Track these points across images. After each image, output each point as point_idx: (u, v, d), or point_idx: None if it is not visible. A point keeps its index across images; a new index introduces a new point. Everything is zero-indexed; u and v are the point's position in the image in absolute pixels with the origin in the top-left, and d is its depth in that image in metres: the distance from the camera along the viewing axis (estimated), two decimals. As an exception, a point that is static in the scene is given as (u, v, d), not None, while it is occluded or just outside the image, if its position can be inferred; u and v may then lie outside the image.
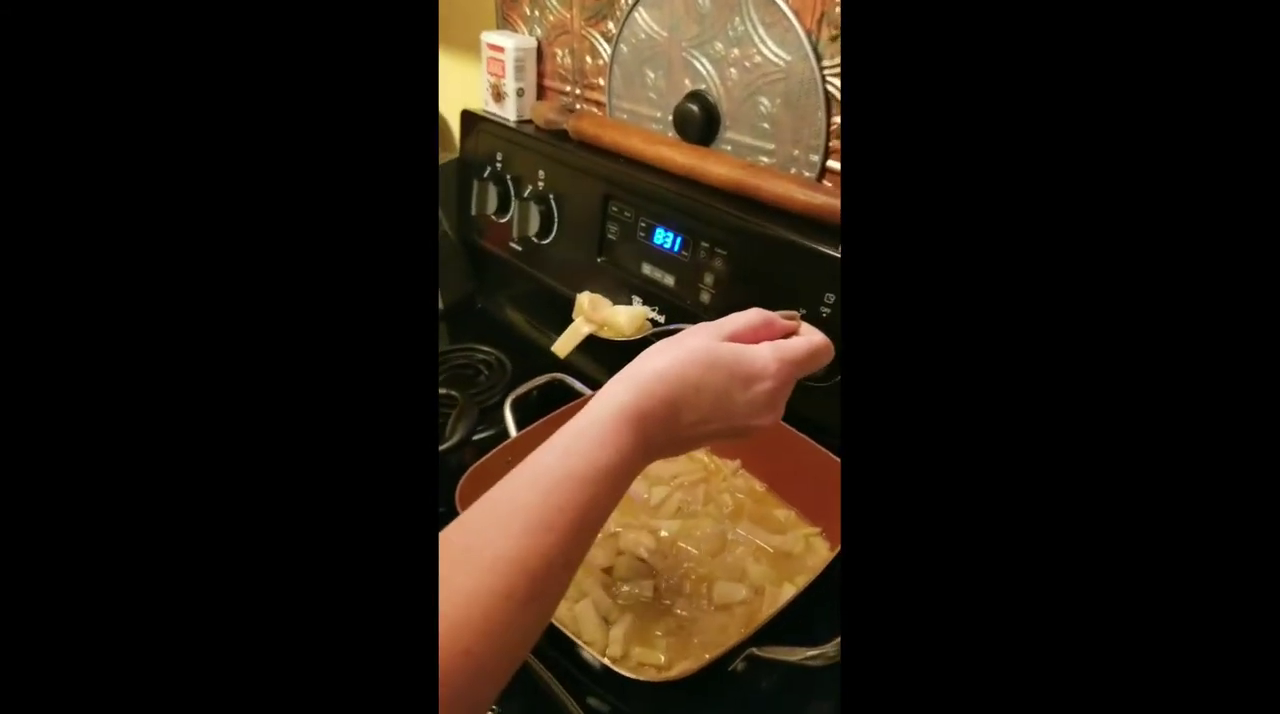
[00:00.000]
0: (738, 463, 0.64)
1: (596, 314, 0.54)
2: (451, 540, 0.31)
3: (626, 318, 0.54)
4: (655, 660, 0.48)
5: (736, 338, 0.40)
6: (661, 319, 0.68)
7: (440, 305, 0.94)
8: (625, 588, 0.52)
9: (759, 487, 0.63)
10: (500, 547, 0.30)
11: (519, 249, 0.82)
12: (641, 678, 0.44)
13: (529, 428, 0.57)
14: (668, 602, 0.52)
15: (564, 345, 0.56)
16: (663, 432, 0.37)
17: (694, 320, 0.64)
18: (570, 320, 0.61)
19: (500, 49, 0.77)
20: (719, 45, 0.64)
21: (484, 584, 0.28)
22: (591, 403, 0.36)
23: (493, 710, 0.47)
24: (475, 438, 0.66)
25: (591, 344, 0.61)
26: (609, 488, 0.34)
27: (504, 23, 0.82)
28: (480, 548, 0.30)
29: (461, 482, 0.52)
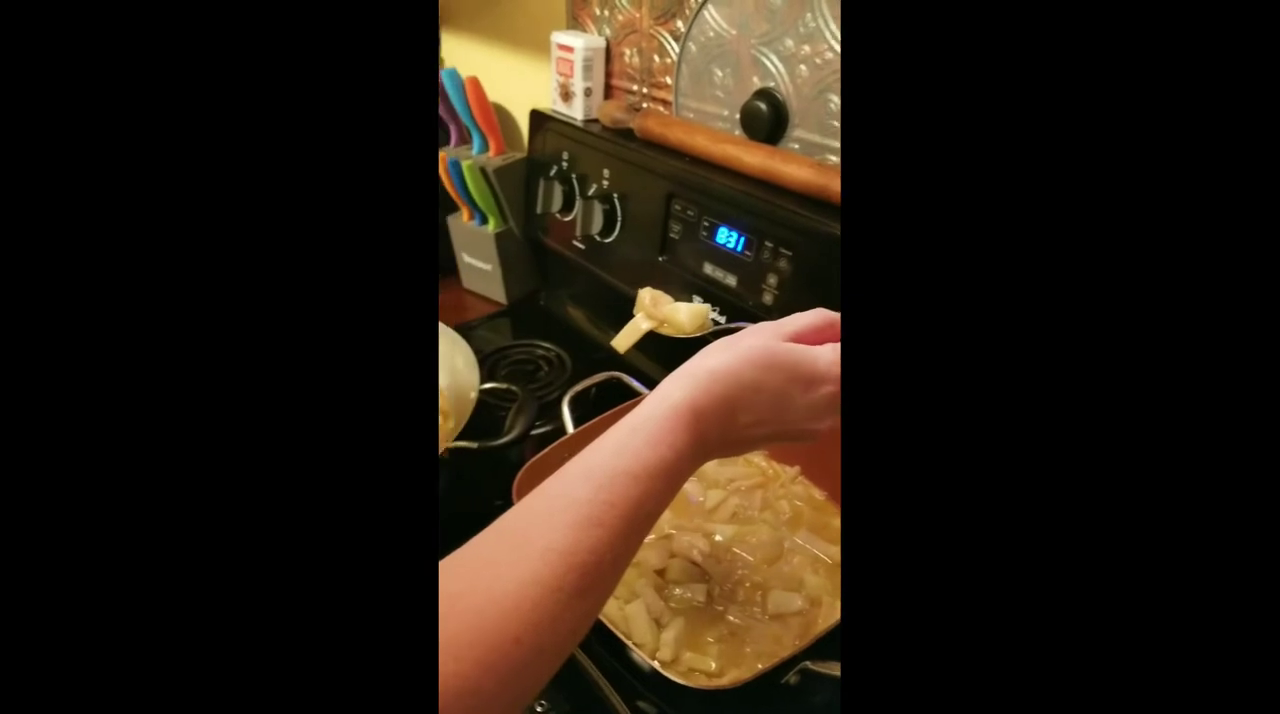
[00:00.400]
0: (797, 469, 0.63)
1: (657, 310, 0.53)
2: (505, 530, 0.31)
3: (687, 315, 0.53)
4: (706, 667, 0.47)
5: (798, 338, 0.39)
6: (723, 319, 0.67)
7: (505, 302, 0.95)
8: (678, 591, 0.52)
9: (819, 495, 0.61)
10: (551, 539, 0.30)
11: (582, 247, 0.83)
12: (692, 684, 0.44)
13: (586, 425, 0.57)
14: (720, 608, 0.51)
15: (624, 341, 0.56)
16: (718, 431, 0.36)
17: (755, 321, 0.63)
18: (631, 316, 0.61)
19: (569, 49, 0.78)
20: (789, 42, 0.62)
21: (533, 574, 0.29)
22: (647, 400, 0.36)
23: (541, 705, 0.47)
24: (534, 433, 0.67)
25: (652, 343, 0.61)
26: (661, 486, 0.33)
27: (574, 23, 0.83)
28: (532, 539, 0.30)
29: (519, 476, 0.52)
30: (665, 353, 0.58)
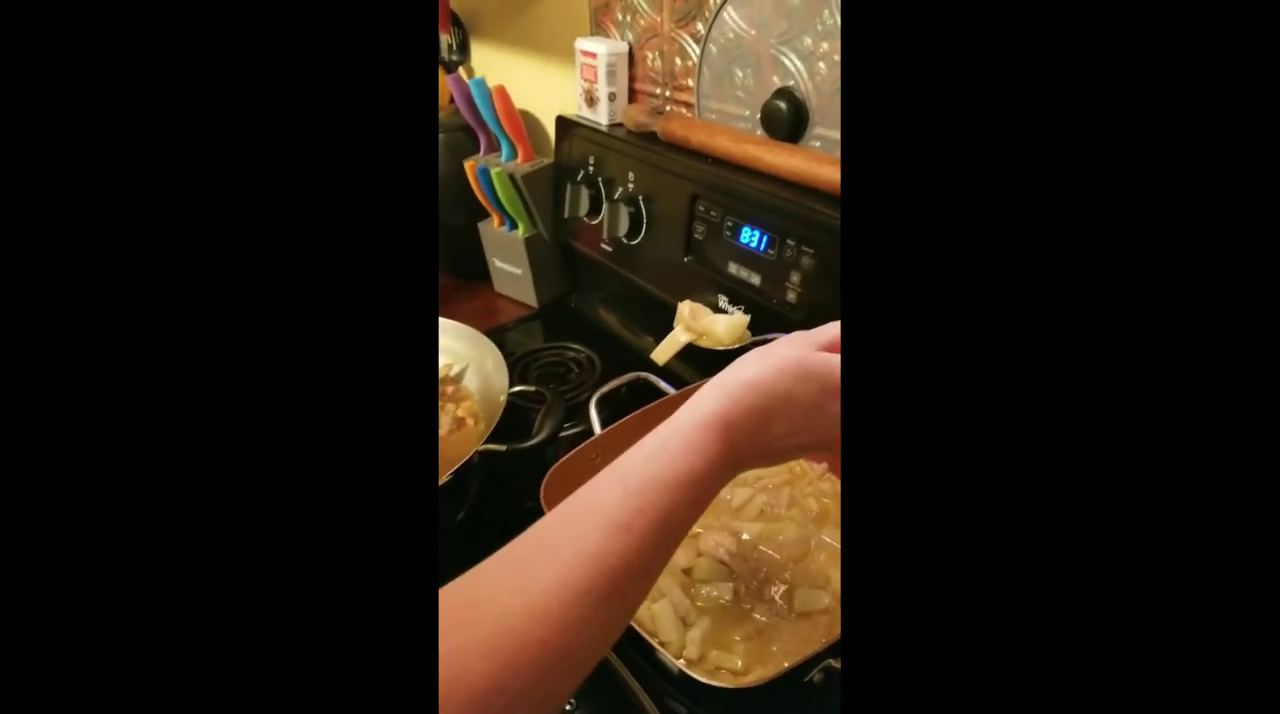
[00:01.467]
0: (824, 466, 0.62)
1: (696, 323, 0.54)
2: (537, 534, 0.32)
3: (725, 327, 0.54)
4: (732, 665, 0.48)
5: (832, 348, 0.38)
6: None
7: (536, 305, 0.97)
8: (704, 590, 0.52)
9: (847, 492, 0.61)
10: (580, 543, 0.30)
11: (609, 250, 0.84)
12: (717, 683, 0.44)
13: (612, 426, 0.58)
14: (747, 606, 0.52)
15: (663, 353, 0.57)
16: (751, 442, 0.36)
17: (780, 319, 0.64)
18: (670, 327, 0.61)
19: (593, 55, 0.79)
20: (807, 40, 0.62)
21: (562, 578, 0.29)
22: (681, 409, 0.36)
23: (570, 704, 0.49)
24: (564, 434, 0.68)
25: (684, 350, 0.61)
26: (693, 495, 0.34)
27: (597, 29, 0.84)
28: (562, 543, 0.31)
29: (546, 477, 0.53)
30: (692, 355, 0.59)
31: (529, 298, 0.97)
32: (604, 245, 0.84)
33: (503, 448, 0.58)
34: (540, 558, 0.30)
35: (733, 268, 0.69)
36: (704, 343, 0.55)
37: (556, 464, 0.54)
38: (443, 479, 0.55)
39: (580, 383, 0.81)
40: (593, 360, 0.84)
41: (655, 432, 0.36)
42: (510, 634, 0.28)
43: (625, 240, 0.80)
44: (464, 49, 1.06)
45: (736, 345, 0.53)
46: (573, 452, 0.55)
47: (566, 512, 0.33)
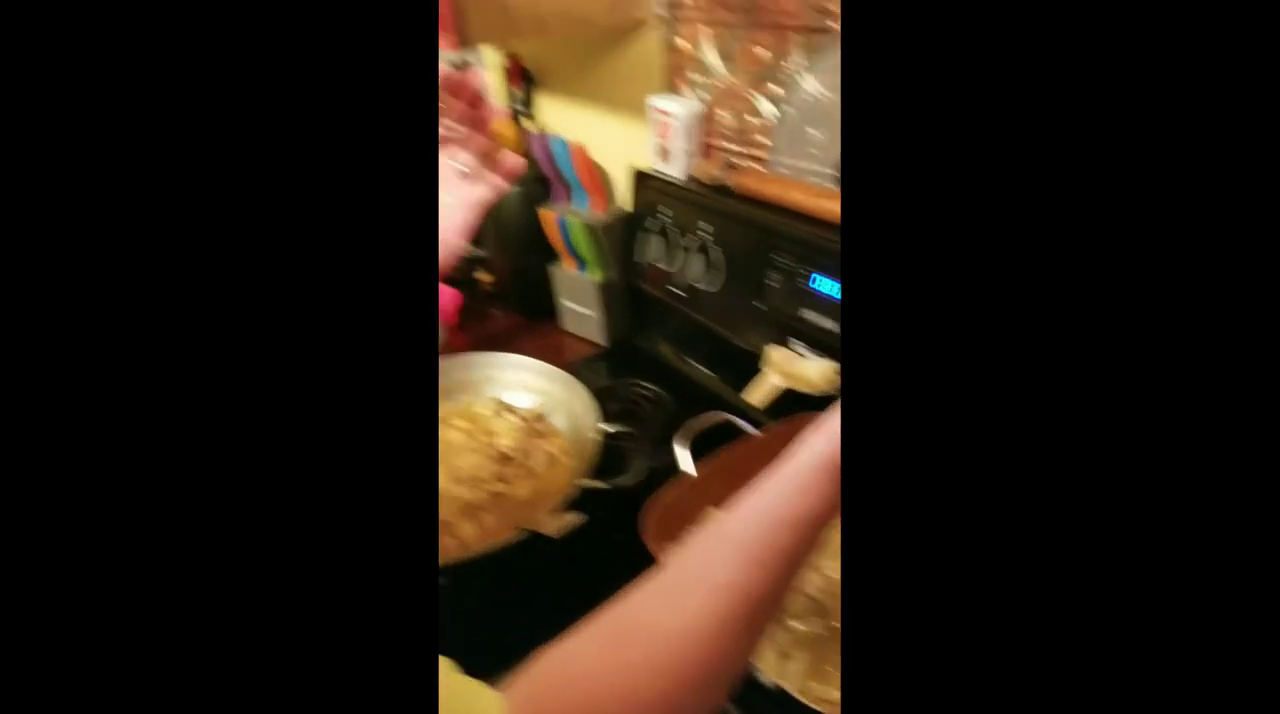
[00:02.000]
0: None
1: (788, 367, 0.58)
2: (683, 567, 0.36)
3: (817, 372, 0.58)
4: (832, 696, 0.50)
5: None
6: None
7: (605, 344, 1.01)
8: (800, 626, 0.55)
9: (925, 531, 0.64)
10: (724, 575, 0.34)
11: (681, 294, 0.88)
12: (823, 710, 0.47)
13: (708, 466, 0.61)
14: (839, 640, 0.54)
15: (760, 397, 0.60)
16: None
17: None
18: (744, 364, 0.65)
19: (669, 113, 0.84)
20: (885, 105, 0.67)
21: (710, 606, 0.33)
22: (795, 452, 0.40)
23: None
24: (645, 469, 0.72)
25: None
26: (811, 532, 0.37)
27: (670, 87, 0.89)
28: (707, 575, 0.34)
29: (651, 514, 0.57)
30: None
31: (597, 337, 1.02)
32: (675, 289, 0.88)
33: (605, 485, 0.62)
34: (691, 587, 0.34)
35: (808, 315, 0.73)
36: (797, 386, 0.59)
37: (664, 501, 0.58)
38: (549, 509, 0.59)
39: (652, 419, 0.85)
40: (661, 397, 0.88)
41: (775, 474, 0.39)
42: (674, 655, 0.31)
43: (698, 286, 0.85)
44: (529, 102, 1.13)
45: (830, 389, 0.57)
46: (675, 488, 0.59)
47: (707, 546, 0.36)
